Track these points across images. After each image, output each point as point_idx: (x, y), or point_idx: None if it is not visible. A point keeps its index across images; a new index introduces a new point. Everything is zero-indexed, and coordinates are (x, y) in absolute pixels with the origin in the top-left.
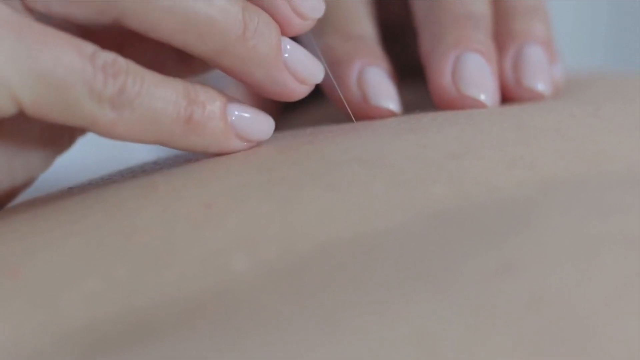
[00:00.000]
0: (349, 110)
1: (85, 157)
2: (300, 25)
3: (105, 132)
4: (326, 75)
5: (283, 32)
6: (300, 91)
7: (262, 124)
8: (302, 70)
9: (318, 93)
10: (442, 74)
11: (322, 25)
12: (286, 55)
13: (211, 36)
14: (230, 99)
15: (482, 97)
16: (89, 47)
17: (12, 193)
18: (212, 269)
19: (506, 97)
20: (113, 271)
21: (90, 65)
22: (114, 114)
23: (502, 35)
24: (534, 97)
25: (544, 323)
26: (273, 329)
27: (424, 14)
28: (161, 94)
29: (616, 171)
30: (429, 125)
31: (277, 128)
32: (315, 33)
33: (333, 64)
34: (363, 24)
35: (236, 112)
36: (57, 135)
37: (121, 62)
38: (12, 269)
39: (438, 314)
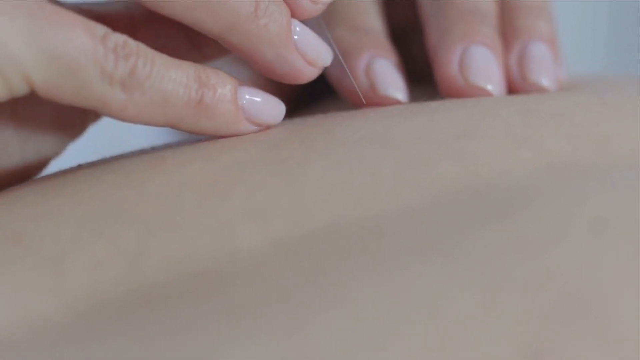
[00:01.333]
0: (359, 94)
1: (93, 149)
2: (311, 9)
3: (116, 114)
4: (333, 65)
5: (293, 15)
6: (309, 73)
7: (272, 108)
8: (311, 52)
9: (325, 92)
10: (449, 65)
11: (331, 18)
12: (296, 37)
13: (222, 12)
14: (241, 82)
15: (489, 87)
16: (100, 29)
17: (24, 176)
18: (219, 239)
19: (512, 93)
20: (119, 238)
21: (102, 46)
22: (124, 95)
23: (508, 32)
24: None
25: (554, 296)
26: (279, 299)
27: (430, 11)
28: (172, 76)
29: (622, 155)
30: (437, 108)
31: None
32: (325, 25)
33: (342, 54)
34: (372, 18)
35: (247, 96)
36: (69, 121)
37: (132, 43)
38: (16, 235)
39: (448, 285)
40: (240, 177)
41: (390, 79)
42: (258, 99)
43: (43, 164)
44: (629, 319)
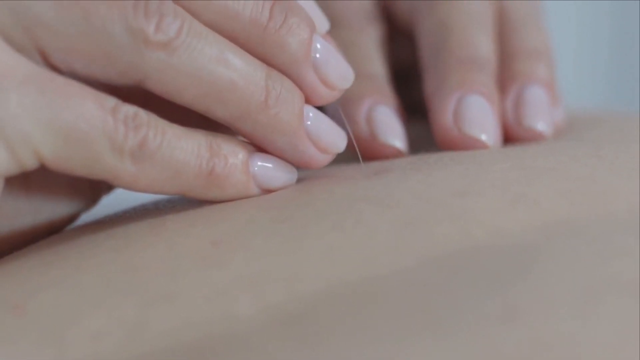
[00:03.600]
0: (355, 146)
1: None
2: (328, 95)
3: (128, 185)
4: (335, 111)
5: (309, 101)
6: (322, 160)
7: (284, 173)
8: (324, 139)
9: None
10: (444, 114)
11: None
12: (309, 122)
13: (232, 102)
14: (253, 149)
15: (484, 137)
16: (110, 101)
17: (35, 238)
18: (217, 310)
19: (507, 137)
20: (118, 308)
21: (112, 118)
22: (135, 167)
23: (505, 77)
24: (535, 137)
25: None
26: None
27: (429, 57)
28: (183, 147)
29: (618, 212)
30: (434, 165)
31: None
32: None
33: (344, 101)
34: (374, 64)
35: (259, 163)
36: (82, 190)
37: (142, 115)
38: (18, 306)
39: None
40: (239, 243)
41: (390, 127)
42: (270, 165)
43: (56, 226)
44: None
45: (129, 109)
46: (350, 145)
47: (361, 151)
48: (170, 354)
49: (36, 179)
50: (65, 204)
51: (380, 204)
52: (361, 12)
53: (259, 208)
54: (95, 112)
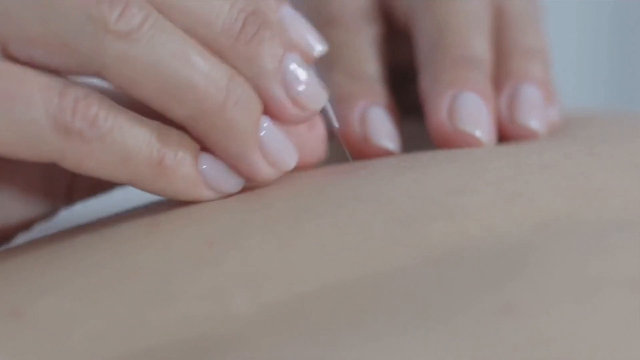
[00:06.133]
0: (345, 149)
1: None
2: (296, 115)
3: (75, 166)
4: (329, 113)
5: (276, 119)
6: (268, 174)
7: (232, 177)
8: (275, 154)
9: None
10: (438, 111)
11: (330, 62)
12: (262, 133)
13: (190, 100)
14: (203, 148)
15: (478, 134)
16: (57, 82)
17: (8, 236)
18: (213, 308)
19: (502, 135)
20: (115, 311)
21: (57, 98)
22: (83, 147)
23: (500, 76)
24: (528, 134)
25: None
26: None
27: (425, 56)
28: (134, 133)
29: (613, 210)
30: (428, 163)
31: None
32: (323, 68)
33: (338, 101)
34: (369, 64)
35: (208, 162)
36: (33, 198)
37: (94, 96)
38: (16, 310)
39: (440, 355)
40: (233, 241)
41: (383, 128)
42: (219, 166)
43: (6, 232)
44: None
45: (80, 90)
46: (339, 144)
47: (354, 153)
48: (168, 353)
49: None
50: (17, 209)
51: (374, 202)
52: (358, 12)
53: (252, 208)
54: (38, 94)
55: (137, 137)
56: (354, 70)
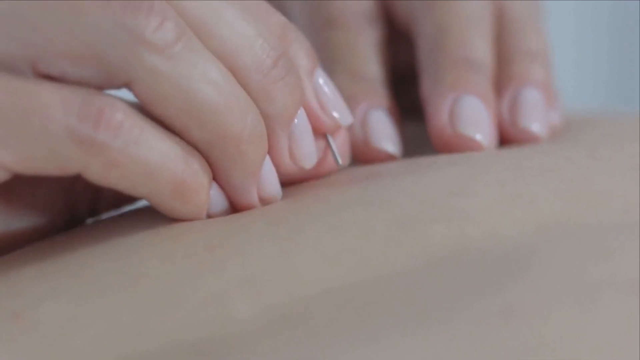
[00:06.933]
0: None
1: None
2: (289, 166)
3: (99, 178)
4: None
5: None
6: (253, 205)
7: (224, 205)
8: (268, 190)
9: None
10: (439, 115)
11: (332, 65)
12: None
13: (211, 125)
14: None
15: (478, 137)
16: (80, 92)
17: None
18: (215, 313)
19: (503, 139)
20: (117, 317)
21: (79, 109)
22: (108, 158)
23: (502, 79)
24: (530, 138)
25: None
26: None
27: (425, 58)
28: (160, 147)
29: (614, 212)
30: (428, 166)
31: None
32: (324, 70)
33: None
34: (371, 66)
35: (215, 190)
36: (75, 200)
37: (119, 105)
38: (18, 315)
39: (439, 357)
40: (234, 247)
41: (383, 131)
42: (219, 194)
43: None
44: None
45: (106, 98)
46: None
47: (354, 155)
48: (170, 357)
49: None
50: (38, 220)
51: (375, 205)
52: (360, 13)
53: (251, 213)
54: (57, 107)
55: (163, 152)
56: (355, 72)
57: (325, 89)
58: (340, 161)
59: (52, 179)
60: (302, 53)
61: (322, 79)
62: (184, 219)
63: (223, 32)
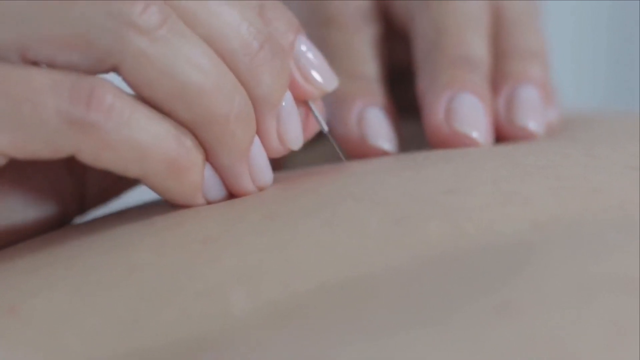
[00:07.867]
0: (337, 149)
1: None
2: (277, 148)
3: (92, 159)
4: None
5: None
6: (248, 189)
7: (220, 188)
8: (259, 171)
9: None
10: (435, 112)
11: (328, 62)
12: (252, 149)
13: (198, 107)
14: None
15: (475, 135)
16: (70, 76)
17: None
18: (210, 306)
19: (499, 137)
20: (112, 310)
21: (69, 92)
22: (100, 139)
23: (498, 77)
24: (526, 136)
25: None
26: None
27: (422, 56)
28: (152, 127)
29: (610, 210)
30: (423, 162)
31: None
32: None
33: (336, 102)
34: (368, 64)
35: (209, 170)
36: (59, 195)
37: (109, 87)
38: (13, 308)
39: (436, 354)
40: (229, 239)
41: (380, 129)
42: (214, 175)
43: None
44: None
45: (96, 80)
46: (330, 144)
47: (350, 153)
48: (165, 351)
49: (8, 178)
50: (28, 214)
51: (370, 201)
52: (357, 12)
53: (246, 206)
54: (47, 92)
55: (154, 132)
56: (352, 70)
57: (309, 55)
58: (325, 128)
59: (40, 172)
60: (283, 28)
61: (304, 46)
62: (180, 202)
63: (209, 17)
